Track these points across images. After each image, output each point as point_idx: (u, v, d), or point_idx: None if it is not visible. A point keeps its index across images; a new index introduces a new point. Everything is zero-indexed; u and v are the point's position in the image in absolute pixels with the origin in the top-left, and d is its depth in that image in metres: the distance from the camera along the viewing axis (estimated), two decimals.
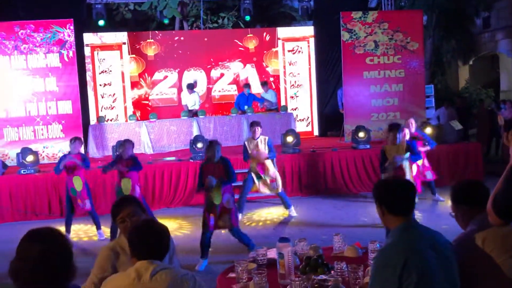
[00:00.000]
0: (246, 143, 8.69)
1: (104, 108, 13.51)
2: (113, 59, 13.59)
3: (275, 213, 9.08)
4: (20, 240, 2.27)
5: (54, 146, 11.08)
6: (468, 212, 2.93)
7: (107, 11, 14.30)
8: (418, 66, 12.27)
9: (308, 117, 14.55)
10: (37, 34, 10.93)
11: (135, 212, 3.22)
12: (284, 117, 12.44)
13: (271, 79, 14.52)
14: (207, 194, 6.43)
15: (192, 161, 10.05)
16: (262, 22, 17.52)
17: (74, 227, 8.23)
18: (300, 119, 14.27)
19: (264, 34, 14.70)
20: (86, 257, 6.77)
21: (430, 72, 19.27)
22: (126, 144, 7.62)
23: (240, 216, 8.16)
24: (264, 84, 13.41)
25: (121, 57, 13.65)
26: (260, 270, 3.52)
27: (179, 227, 8.47)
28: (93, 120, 12.85)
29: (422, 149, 8.66)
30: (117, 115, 13.56)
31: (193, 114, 12.46)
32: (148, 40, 13.94)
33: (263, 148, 8.52)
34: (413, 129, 8.72)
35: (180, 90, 13.98)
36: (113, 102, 13.57)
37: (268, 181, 8.53)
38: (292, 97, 14.52)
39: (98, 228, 8.00)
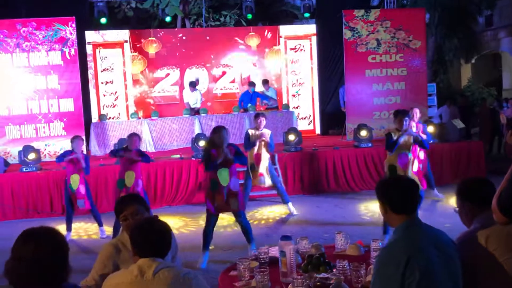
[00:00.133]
0: (250, 132, 8.61)
1: (106, 106, 13.51)
2: (115, 57, 13.58)
3: (277, 211, 9.07)
4: (15, 240, 2.26)
5: (56, 144, 11.08)
6: (472, 210, 2.92)
7: (109, 9, 14.29)
8: (420, 64, 12.26)
9: (310, 116, 14.54)
10: (39, 32, 10.93)
11: (138, 211, 3.23)
12: (286, 115, 12.43)
13: (273, 78, 14.49)
14: (212, 176, 6.28)
15: (194, 159, 10.05)
16: (264, 20, 17.51)
17: (74, 225, 8.22)
18: (302, 118, 14.26)
19: (266, 32, 14.68)
20: (86, 255, 6.81)
21: (433, 70, 19.25)
22: (133, 136, 7.55)
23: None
24: (265, 82, 13.40)
25: (123, 55, 13.64)
26: (262, 268, 3.52)
27: (181, 225, 8.47)
28: (95, 118, 12.85)
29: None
30: (119, 113, 13.56)
31: (195, 112, 12.46)
32: (150, 38, 13.92)
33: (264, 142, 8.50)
34: (416, 119, 8.67)
35: (182, 88, 13.98)
36: (115, 100, 13.56)
37: (258, 174, 8.49)
38: (294, 95, 14.50)
39: (100, 225, 7.99)
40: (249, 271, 3.62)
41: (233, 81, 14.46)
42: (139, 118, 12.35)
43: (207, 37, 14.44)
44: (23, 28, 10.86)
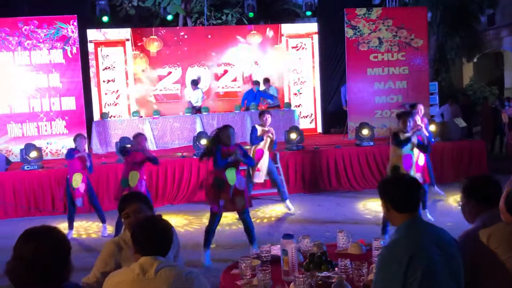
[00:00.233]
0: (257, 127, 8.64)
1: (108, 104, 13.51)
2: (116, 56, 13.58)
3: (278, 210, 9.07)
4: (17, 239, 2.26)
5: (58, 142, 11.10)
6: (476, 207, 2.92)
7: (111, 7, 14.30)
8: (422, 63, 12.25)
9: (312, 114, 14.53)
10: (41, 30, 10.93)
11: (141, 209, 3.23)
12: (288, 114, 12.43)
13: (275, 76, 14.47)
14: (218, 174, 6.26)
15: (195, 157, 10.04)
16: (266, 18, 17.49)
17: (75, 224, 8.21)
18: (303, 116, 14.25)
19: (267, 30, 14.67)
20: (87, 253, 6.82)
21: (434, 69, 19.23)
22: (139, 137, 7.53)
23: None
24: (266, 81, 13.39)
25: (125, 54, 13.64)
26: (264, 267, 3.52)
27: (183, 223, 8.47)
28: (96, 116, 12.85)
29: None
30: (121, 111, 13.57)
31: (196, 110, 12.46)
32: (151, 37, 13.92)
33: (269, 140, 8.56)
34: (421, 115, 8.60)
35: (183, 86, 13.98)
36: (117, 98, 13.57)
37: (256, 169, 8.51)
38: (295, 94, 14.49)
39: (103, 222, 7.99)
40: (251, 270, 3.62)
41: (234, 80, 14.45)
42: (141, 116, 12.34)
43: (209, 36, 14.43)
44: (25, 27, 10.86)
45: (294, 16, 18.31)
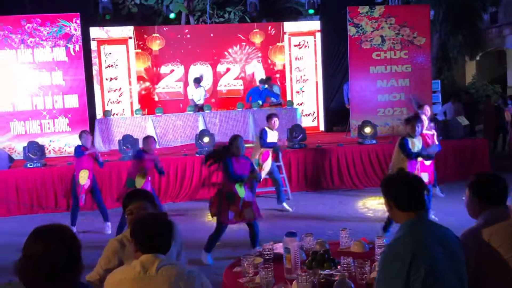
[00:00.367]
0: (267, 129, 8.72)
1: (111, 102, 13.52)
2: (119, 53, 13.58)
3: (280, 208, 9.05)
4: (26, 238, 2.25)
5: (61, 140, 11.11)
6: (478, 205, 2.93)
7: (113, 5, 14.29)
8: (425, 61, 12.23)
9: (314, 112, 14.52)
10: (44, 28, 10.94)
11: (145, 207, 3.23)
12: (290, 112, 12.42)
13: (277, 75, 14.47)
14: (229, 189, 6.33)
15: (198, 155, 10.06)
16: (269, 17, 17.46)
17: (78, 221, 8.21)
18: (306, 114, 14.24)
19: (269, 28, 14.66)
20: (90, 251, 6.81)
21: (437, 67, 19.18)
22: (149, 139, 7.62)
23: None
24: (269, 79, 13.39)
25: (127, 52, 13.64)
26: (266, 265, 3.52)
27: (185, 221, 8.47)
28: (99, 114, 12.86)
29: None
30: (123, 109, 13.57)
31: (198, 108, 12.46)
32: (154, 35, 13.93)
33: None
34: (428, 115, 8.53)
35: (186, 84, 13.98)
36: (119, 96, 13.58)
37: (260, 166, 8.55)
38: (298, 92, 14.48)
39: (106, 220, 8.02)
40: (253, 267, 3.63)
41: (237, 78, 14.45)
42: (143, 114, 12.35)
43: (211, 34, 14.43)
44: (28, 24, 10.87)
45: (296, 14, 18.27)
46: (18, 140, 10.81)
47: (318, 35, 14.38)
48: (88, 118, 11.36)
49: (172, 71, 14.13)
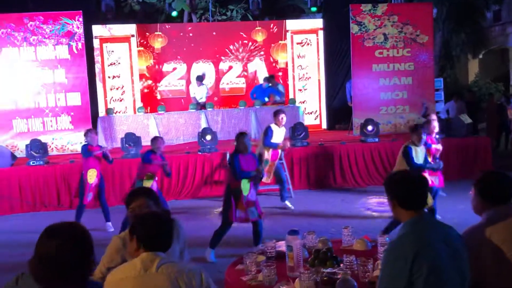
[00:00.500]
0: (273, 127, 8.67)
1: (113, 100, 13.52)
2: (121, 51, 13.57)
3: (283, 206, 9.06)
4: (39, 236, 2.24)
5: (63, 138, 11.12)
6: (481, 203, 2.93)
7: (116, 3, 14.28)
8: (428, 59, 12.20)
9: (317, 110, 14.50)
10: (46, 26, 10.95)
11: (148, 205, 3.23)
12: (292, 110, 12.41)
13: (280, 73, 14.45)
14: (235, 185, 6.35)
15: (200, 153, 10.06)
16: (271, 14, 17.45)
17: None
18: (308, 112, 14.23)
19: (272, 26, 14.64)
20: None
21: (440, 65, 19.16)
22: (158, 140, 7.69)
23: None
24: (272, 77, 13.37)
25: (130, 49, 13.64)
26: (269, 263, 3.53)
27: (187, 219, 8.48)
28: (101, 112, 12.87)
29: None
30: (126, 107, 13.57)
31: (201, 106, 12.46)
32: (156, 33, 13.93)
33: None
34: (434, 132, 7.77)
35: (188, 82, 13.98)
36: (122, 94, 13.58)
37: (271, 167, 8.56)
38: (300, 90, 14.47)
39: (107, 220, 8.04)
40: (256, 265, 3.63)
41: (239, 76, 14.44)
42: (146, 112, 12.35)
43: (214, 32, 14.42)
44: (30, 22, 10.88)
45: (299, 12, 18.26)
46: (21, 138, 10.82)
47: (321, 33, 14.36)
48: (91, 116, 11.36)
49: (174, 69, 14.13)
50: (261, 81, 13.61)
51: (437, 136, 7.79)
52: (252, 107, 12.30)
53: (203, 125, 11.63)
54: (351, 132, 12.13)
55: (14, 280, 2.26)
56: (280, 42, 14.48)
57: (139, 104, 13.29)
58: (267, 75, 13.74)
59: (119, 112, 13.12)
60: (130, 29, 13.82)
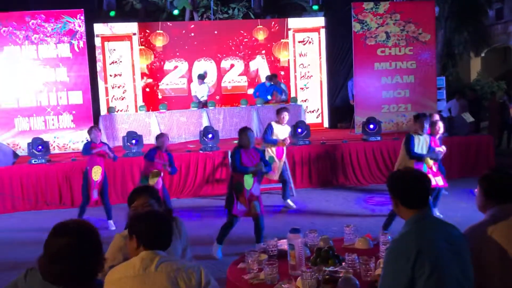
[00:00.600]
0: (273, 125, 8.69)
1: (115, 98, 13.51)
2: (123, 50, 13.56)
3: (285, 204, 9.05)
4: (48, 234, 2.23)
5: (65, 136, 11.13)
6: (485, 201, 2.92)
7: (117, 2, 14.28)
8: (430, 57, 12.18)
9: (318, 109, 14.48)
10: (48, 24, 10.94)
11: (150, 203, 3.23)
12: (294, 108, 12.39)
13: (282, 72, 14.43)
14: (238, 179, 6.39)
15: (202, 152, 10.06)
16: (273, 13, 17.43)
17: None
18: (310, 111, 14.21)
19: (273, 24, 14.63)
20: None
21: (442, 64, 19.13)
22: (163, 137, 7.70)
23: None
24: (274, 76, 13.36)
25: (131, 48, 13.63)
26: (271, 261, 3.52)
27: (189, 217, 8.48)
28: (103, 110, 12.87)
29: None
30: (127, 105, 13.57)
31: (202, 105, 12.46)
32: (158, 31, 13.92)
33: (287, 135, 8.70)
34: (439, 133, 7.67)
35: (190, 80, 13.97)
36: (123, 92, 13.57)
37: (275, 167, 8.56)
38: (302, 88, 14.45)
39: (109, 218, 8.05)
40: (257, 264, 3.62)
41: (241, 74, 14.43)
42: (147, 110, 12.35)
43: (215, 30, 14.40)
44: (32, 21, 10.88)
45: (301, 10, 18.23)
46: (23, 136, 10.82)
47: (323, 31, 14.33)
48: (92, 115, 11.37)
49: (176, 67, 14.13)
50: (263, 80, 13.59)
51: (441, 136, 7.77)
52: (254, 106, 12.30)
53: (205, 123, 11.63)
54: (353, 131, 12.12)
55: (23, 275, 2.26)
56: (282, 40, 14.47)
57: (140, 102, 13.29)
58: (269, 73, 13.73)
59: (120, 111, 13.13)
60: (131, 27, 13.81)
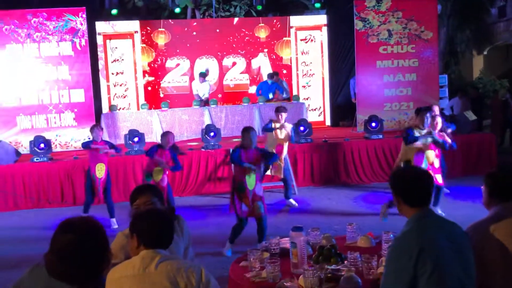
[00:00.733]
0: (273, 123, 8.71)
1: (117, 96, 13.53)
2: (125, 48, 13.57)
3: (287, 203, 9.05)
4: (54, 231, 2.23)
5: (67, 134, 11.14)
6: (489, 198, 2.92)
7: (119, 0, 14.27)
8: (432, 55, 12.15)
9: (320, 107, 14.48)
10: (50, 22, 10.95)
11: (152, 202, 3.22)
12: (296, 106, 12.39)
13: (284, 71, 14.42)
14: (240, 179, 6.39)
15: (204, 150, 10.06)
16: (274, 11, 17.40)
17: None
18: (312, 109, 14.20)
19: (275, 22, 14.61)
20: None
21: (444, 61, 19.09)
22: (168, 135, 7.66)
23: None
24: (276, 74, 13.35)
25: (133, 46, 13.64)
26: (273, 259, 3.51)
27: (191, 216, 8.48)
28: (105, 108, 12.88)
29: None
30: (129, 103, 13.58)
31: (204, 103, 12.45)
32: (159, 29, 13.92)
33: (285, 133, 8.64)
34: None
35: (192, 78, 13.97)
36: (125, 91, 13.58)
37: (277, 164, 8.55)
38: (304, 86, 14.45)
39: (112, 216, 8.05)
40: (259, 262, 3.62)
41: (243, 72, 14.42)
42: (149, 109, 12.35)
43: (217, 28, 14.40)
44: (34, 19, 10.88)
45: (303, 8, 18.20)
46: (25, 134, 10.84)
47: (325, 29, 14.32)
48: (94, 113, 11.38)
49: (177, 65, 14.12)
50: (265, 78, 13.59)
51: (448, 133, 7.76)
52: (256, 104, 12.29)
53: (207, 121, 11.63)
54: (355, 129, 12.11)
55: (29, 271, 2.26)
56: (284, 38, 14.45)
57: (142, 100, 13.30)
58: (271, 71, 13.72)
59: (122, 109, 13.14)
60: (133, 25, 13.81)
